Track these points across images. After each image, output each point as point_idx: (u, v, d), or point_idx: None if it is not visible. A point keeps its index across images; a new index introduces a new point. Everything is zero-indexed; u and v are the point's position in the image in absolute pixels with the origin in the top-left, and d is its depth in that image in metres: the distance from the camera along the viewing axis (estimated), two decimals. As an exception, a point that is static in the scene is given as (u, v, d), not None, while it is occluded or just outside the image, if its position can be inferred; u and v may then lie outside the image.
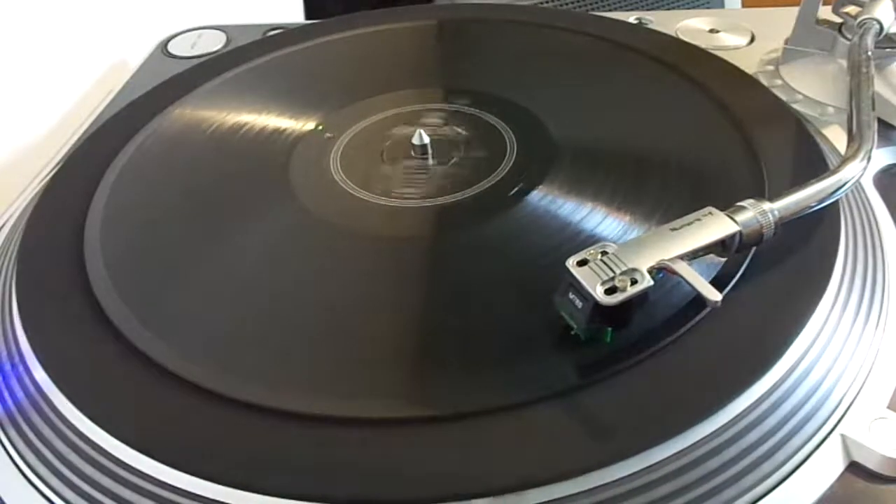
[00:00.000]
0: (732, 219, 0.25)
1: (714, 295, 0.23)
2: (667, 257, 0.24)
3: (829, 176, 0.27)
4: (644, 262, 0.24)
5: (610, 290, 0.23)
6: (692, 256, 0.25)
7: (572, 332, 0.24)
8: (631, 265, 0.24)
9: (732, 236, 0.25)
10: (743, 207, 0.26)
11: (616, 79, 0.40)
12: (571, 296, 0.24)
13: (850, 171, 0.28)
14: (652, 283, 0.23)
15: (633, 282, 0.23)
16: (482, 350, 0.25)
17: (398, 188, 0.33)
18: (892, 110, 0.37)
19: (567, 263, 0.24)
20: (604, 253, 0.24)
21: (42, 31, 0.49)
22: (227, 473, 0.22)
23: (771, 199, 0.26)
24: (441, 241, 0.31)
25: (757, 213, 0.25)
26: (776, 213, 0.26)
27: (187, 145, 0.38)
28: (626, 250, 0.24)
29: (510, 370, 0.24)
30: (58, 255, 0.31)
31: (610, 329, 0.24)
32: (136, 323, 0.27)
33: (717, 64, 0.40)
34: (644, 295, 0.23)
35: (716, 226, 0.25)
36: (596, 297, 0.23)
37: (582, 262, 0.24)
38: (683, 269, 0.24)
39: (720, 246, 0.25)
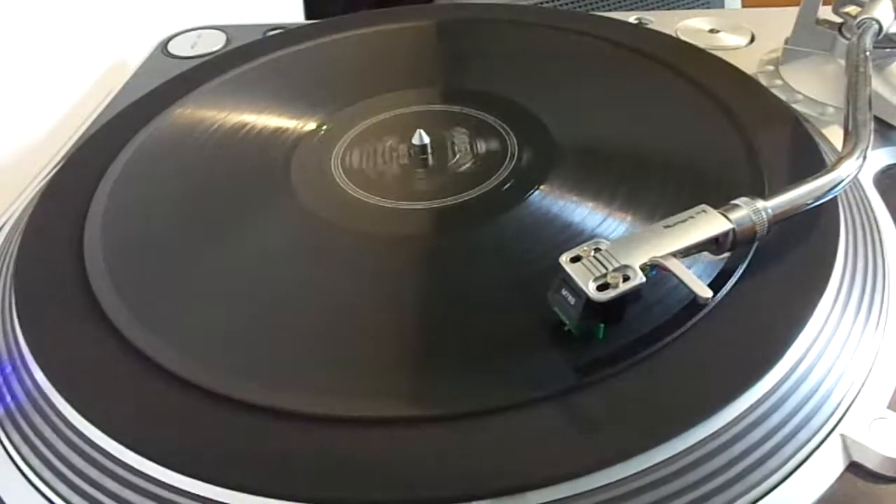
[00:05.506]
0: (726, 216, 0.25)
1: (705, 292, 0.23)
2: (659, 254, 0.24)
3: (824, 174, 0.27)
4: (636, 259, 0.24)
5: (602, 287, 0.23)
6: (685, 254, 0.25)
7: (565, 329, 0.24)
8: (623, 262, 0.24)
9: (725, 234, 0.25)
10: (736, 205, 0.26)
11: (616, 79, 0.40)
12: (564, 292, 0.24)
13: (845, 170, 0.28)
14: (644, 279, 0.23)
15: (626, 278, 0.23)
16: (482, 350, 0.25)
17: (398, 189, 0.33)
18: (892, 110, 0.37)
19: (560, 260, 0.24)
20: (597, 249, 0.24)
21: (42, 31, 0.49)
22: (225, 474, 0.22)
23: (765, 198, 0.26)
24: (441, 242, 0.31)
25: (750, 212, 0.25)
26: (769, 211, 0.26)
27: (187, 145, 0.38)
28: (618, 247, 0.24)
29: (511, 370, 0.24)
30: (58, 255, 0.31)
31: (602, 325, 0.24)
32: (135, 322, 0.27)
33: (717, 64, 0.40)
34: (637, 292, 0.23)
35: (709, 223, 0.25)
36: (588, 293, 0.23)
37: (575, 259, 0.24)
38: (676, 266, 0.24)
39: (713, 244, 0.25)
